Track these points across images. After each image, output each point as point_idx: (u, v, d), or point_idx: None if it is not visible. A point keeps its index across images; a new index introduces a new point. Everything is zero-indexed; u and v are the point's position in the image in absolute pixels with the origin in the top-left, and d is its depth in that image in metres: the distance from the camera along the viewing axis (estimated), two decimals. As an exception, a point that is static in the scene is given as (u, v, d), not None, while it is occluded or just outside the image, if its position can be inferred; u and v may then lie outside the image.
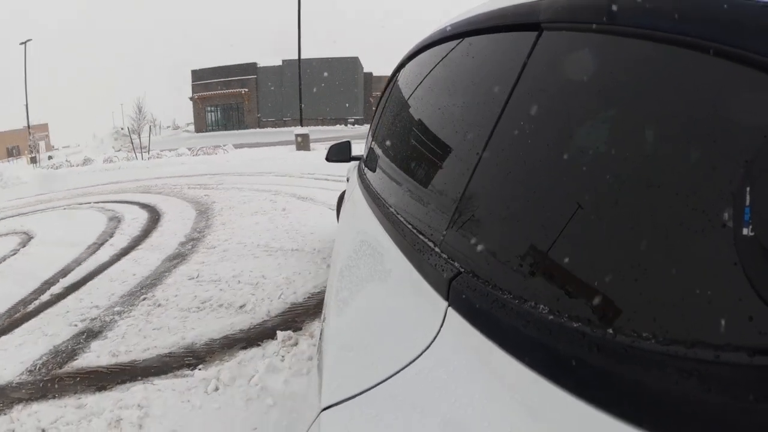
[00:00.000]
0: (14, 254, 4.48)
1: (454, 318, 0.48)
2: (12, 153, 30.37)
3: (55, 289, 3.37)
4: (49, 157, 25.36)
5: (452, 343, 0.47)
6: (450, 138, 0.75)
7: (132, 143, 20.62)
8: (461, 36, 0.82)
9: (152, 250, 4.16)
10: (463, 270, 0.52)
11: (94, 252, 4.26)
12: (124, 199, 7.20)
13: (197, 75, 33.84)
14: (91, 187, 9.40)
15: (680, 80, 0.34)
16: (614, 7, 0.39)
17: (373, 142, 1.62)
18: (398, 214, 0.85)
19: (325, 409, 0.52)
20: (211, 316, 2.67)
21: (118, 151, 20.14)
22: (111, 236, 4.81)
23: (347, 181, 2.33)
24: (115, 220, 5.56)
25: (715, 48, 0.30)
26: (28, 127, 26.69)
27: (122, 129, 24.24)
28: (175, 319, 2.64)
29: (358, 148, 2.26)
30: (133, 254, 4.10)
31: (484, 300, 0.45)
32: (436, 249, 0.61)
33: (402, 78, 1.39)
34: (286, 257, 3.60)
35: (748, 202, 0.25)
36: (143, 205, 6.43)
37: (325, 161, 2.39)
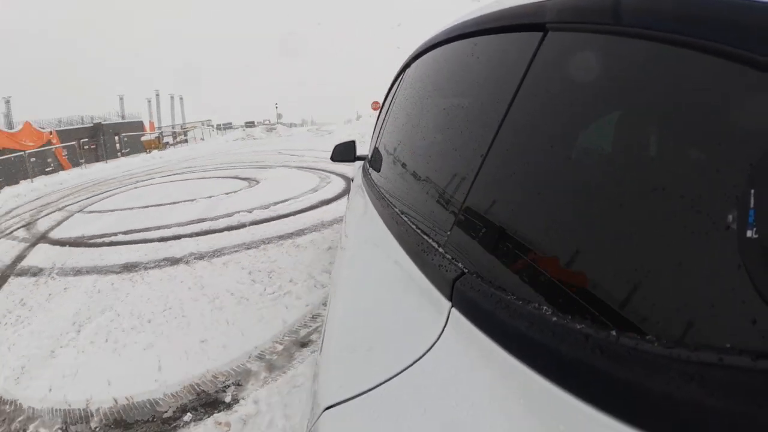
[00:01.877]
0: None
1: (458, 318, 0.48)
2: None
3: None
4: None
5: (455, 344, 0.47)
6: (455, 138, 0.75)
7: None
8: (466, 36, 0.82)
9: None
10: (467, 271, 0.52)
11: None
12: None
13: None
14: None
15: (685, 81, 0.34)
16: (619, 8, 0.39)
17: (378, 142, 1.62)
18: (403, 214, 0.85)
19: (327, 408, 0.53)
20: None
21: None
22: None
23: (352, 180, 2.33)
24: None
25: (720, 49, 0.29)
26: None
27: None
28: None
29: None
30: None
31: (487, 301, 0.45)
32: (440, 249, 0.61)
33: (407, 78, 1.39)
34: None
35: (752, 205, 0.25)
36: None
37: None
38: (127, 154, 23.84)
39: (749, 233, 0.24)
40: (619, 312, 0.32)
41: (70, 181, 12.99)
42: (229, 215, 5.31)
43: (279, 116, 37.89)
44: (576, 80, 0.47)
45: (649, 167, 0.36)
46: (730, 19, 0.30)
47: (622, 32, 0.40)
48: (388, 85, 1.83)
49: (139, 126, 29.02)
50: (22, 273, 4.15)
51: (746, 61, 0.28)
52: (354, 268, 0.98)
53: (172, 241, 4.52)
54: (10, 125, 20.68)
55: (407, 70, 1.43)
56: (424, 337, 0.50)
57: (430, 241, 0.66)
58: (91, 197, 8.80)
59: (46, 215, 7.28)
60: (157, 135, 26.20)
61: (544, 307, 0.38)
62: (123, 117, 28.22)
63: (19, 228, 6.44)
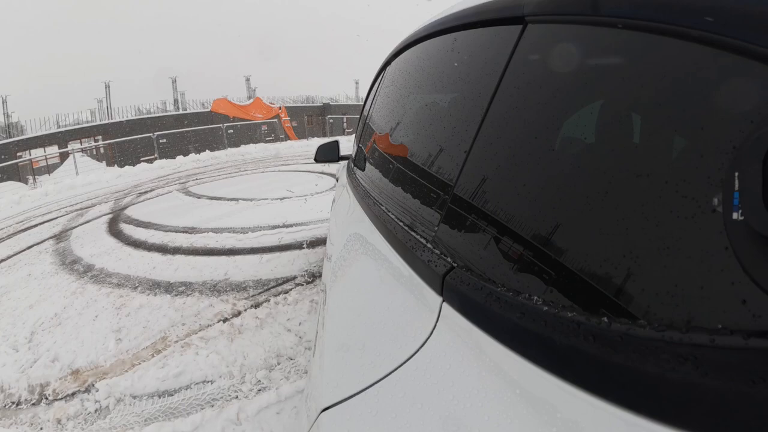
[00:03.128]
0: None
1: (449, 313, 0.48)
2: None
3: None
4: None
5: (448, 338, 0.47)
6: (438, 134, 0.75)
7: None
8: (446, 31, 0.82)
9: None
10: (456, 265, 0.52)
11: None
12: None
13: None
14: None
15: (667, 71, 0.34)
16: None
17: (361, 141, 1.61)
18: (389, 212, 0.85)
19: (324, 410, 0.52)
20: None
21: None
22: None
23: (337, 181, 2.32)
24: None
25: (700, 36, 0.30)
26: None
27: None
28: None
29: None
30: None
31: (478, 294, 0.45)
32: (429, 245, 0.61)
33: (388, 75, 1.39)
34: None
35: (736, 187, 0.25)
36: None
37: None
38: (351, 133, 24.94)
39: (735, 215, 0.25)
40: (609, 298, 0.33)
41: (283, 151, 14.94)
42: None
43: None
44: (557, 72, 0.47)
45: (633, 155, 0.36)
46: (709, 6, 0.30)
47: (601, 22, 0.40)
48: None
49: None
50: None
51: (726, 47, 0.28)
52: (343, 268, 0.97)
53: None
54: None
55: (387, 67, 1.43)
56: (417, 333, 0.50)
57: (418, 237, 0.65)
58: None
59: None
60: None
61: (535, 297, 0.39)
62: (357, 99, 28.74)
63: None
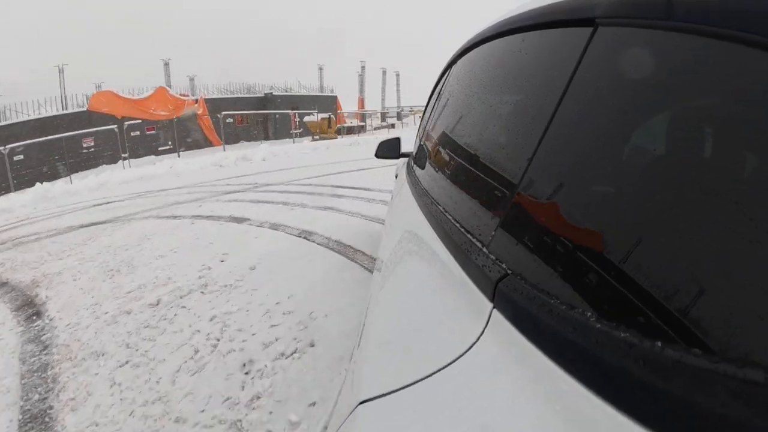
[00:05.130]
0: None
1: (499, 320, 0.48)
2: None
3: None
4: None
5: (495, 347, 0.47)
6: (502, 136, 0.74)
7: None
8: (513, 32, 0.80)
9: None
10: (511, 272, 0.52)
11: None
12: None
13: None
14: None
15: (745, 80, 0.32)
16: (673, 2, 0.37)
17: (423, 139, 1.62)
18: (447, 212, 0.85)
19: (361, 402, 0.54)
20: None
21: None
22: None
23: (396, 178, 2.35)
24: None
25: None
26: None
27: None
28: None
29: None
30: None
31: (531, 304, 0.44)
32: (484, 249, 0.60)
33: (453, 74, 1.38)
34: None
35: None
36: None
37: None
38: (301, 135, 18.85)
39: None
40: (667, 322, 0.31)
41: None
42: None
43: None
44: (628, 78, 0.45)
45: (708, 168, 0.34)
46: None
47: (676, 27, 0.38)
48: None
49: (331, 102, 22.25)
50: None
51: None
52: (395, 264, 0.99)
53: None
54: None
55: (453, 66, 1.42)
56: (463, 338, 0.50)
57: (474, 240, 0.65)
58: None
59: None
60: (328, 116, 19.24)
61: (589, 313, 0.37)
62: (322, 90, 22.70)
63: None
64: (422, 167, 1.40)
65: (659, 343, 0.29)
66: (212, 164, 11.41)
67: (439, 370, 0.49)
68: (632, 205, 0.40)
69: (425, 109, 1.95)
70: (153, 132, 16.21)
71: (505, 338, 0.46)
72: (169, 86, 17.41)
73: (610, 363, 0.32)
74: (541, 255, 0.50)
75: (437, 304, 0.65)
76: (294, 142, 16.21)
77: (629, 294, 0.36)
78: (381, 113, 27.47)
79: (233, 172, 10.25)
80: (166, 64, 18.75)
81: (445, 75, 1.55)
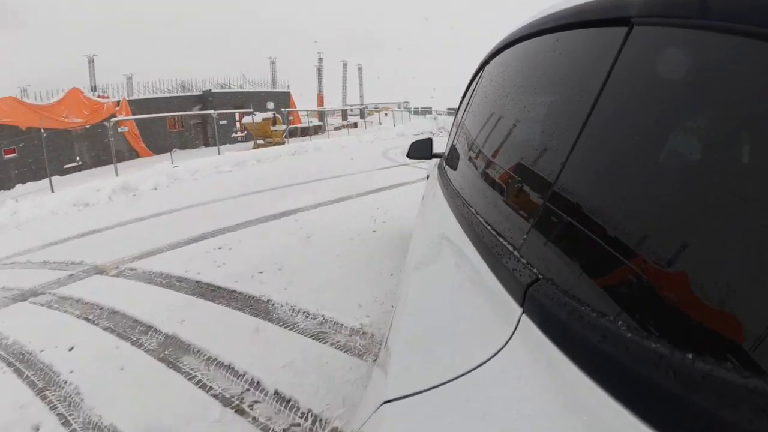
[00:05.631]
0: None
1: (528, 325, 0.48)
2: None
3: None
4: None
5: (523, 352, 0.46)
6: (535, 137, 0.73)
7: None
8: (547, 32, 0.79)
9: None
10: (541, 276, 0.51)
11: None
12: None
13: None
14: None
15: None
16: (710, 1, 0.36)
17: (455, 140, 1.61)
18: (478, 214, 0.85)
19: (386, 402, 0.55)
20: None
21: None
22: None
23: (427, 178, 2.34)
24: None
25: None
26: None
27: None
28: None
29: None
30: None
31: (561, 310, 0.44)
32: (515, 252, 0.60)
33: (486, 75, 1.37)
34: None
35: None
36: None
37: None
38: (243, 140, 16.17)
39: None
40: (699, 333, 0.30)
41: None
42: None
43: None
44: (664, 78, 0.44)
45: (747, 171, 0.32)
46: None
47: (713, 27, 0.36)
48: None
49: (283, 99, 19.74)
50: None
51: None
52: (424, 265, 0.99)
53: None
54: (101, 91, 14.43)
55: (486, 66, 1.41)
56: (491, 342, 0.50)
57: (505, 243, 0.65)
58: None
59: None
60: (272, 116, 15.47)
61: (620, 321, 0.37)
62: (275, 86, 20.23)
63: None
64: (454, 168, 1.39)
65: (690, 356, 0.28)
66: (72, 203, 6.81)
67: (464, 374, 0.49)
68: (669, 210, 0.39)
69: (456, 110, 1.94)
70: (13, 155, 10.39)
71: (534, 343, 0.45)
72: (94, 87, 14.66)
73: (639, 373, 0.31)
74: (574, 260, 0.49)
75: (465, 307, 0.65)
76: (219, 153, 11.81)
77: (664, 303, 0.35)
78: (342, 111, 23.71)
79: (66, 229, 5.34)
80: (91, 61, 15.23)
81: (478, 75, 1.54)
